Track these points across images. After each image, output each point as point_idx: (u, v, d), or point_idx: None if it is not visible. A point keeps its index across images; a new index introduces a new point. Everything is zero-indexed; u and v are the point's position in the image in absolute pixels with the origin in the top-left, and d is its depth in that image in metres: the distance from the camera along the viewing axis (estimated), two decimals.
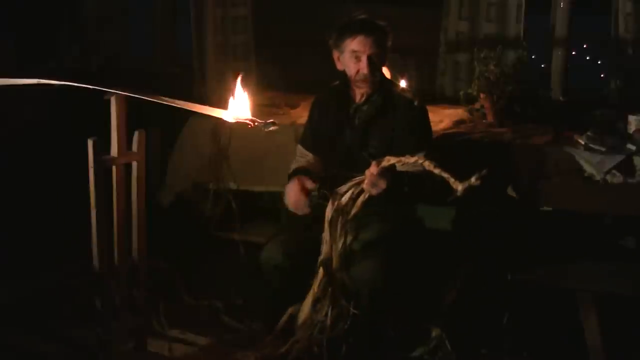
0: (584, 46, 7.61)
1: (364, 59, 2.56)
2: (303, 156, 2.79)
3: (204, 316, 2.95)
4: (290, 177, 2.62)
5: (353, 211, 2.34)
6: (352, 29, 2.58)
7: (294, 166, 2.76)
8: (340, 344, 2.50)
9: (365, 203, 2.32)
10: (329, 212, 2.33)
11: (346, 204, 2.31)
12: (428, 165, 2.11)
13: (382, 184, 2.25)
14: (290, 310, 2.47)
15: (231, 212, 3.42)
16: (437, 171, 2.09)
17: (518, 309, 2.84)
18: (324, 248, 2.35)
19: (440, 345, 2.66)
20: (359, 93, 2.66)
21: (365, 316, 2.46)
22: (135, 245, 2.50)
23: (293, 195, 2.48)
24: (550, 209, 3.00)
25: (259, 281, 2.70)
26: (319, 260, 2.36)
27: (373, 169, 2.25)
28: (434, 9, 3.94)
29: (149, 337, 2.66)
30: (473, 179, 2.01)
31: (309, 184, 2.47)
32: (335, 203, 2.33)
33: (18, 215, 3.40)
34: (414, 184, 2.41)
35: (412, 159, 2.15)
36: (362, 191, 2.31)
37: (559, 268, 2.87)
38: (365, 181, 2.27)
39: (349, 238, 2.41)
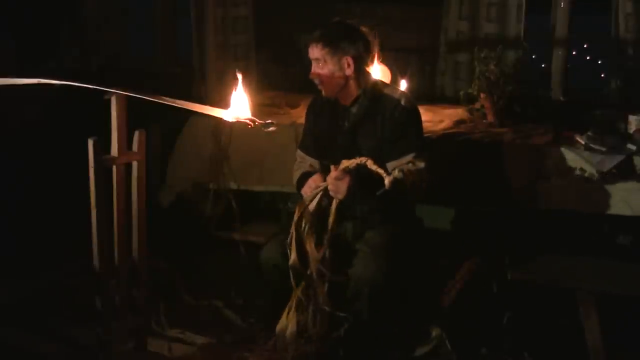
0: (584, 46, 7.62)
1: (313, 65, 2.62)
2: (304, 161, 2.79)
3: (204, 316, 2.95)
4: (300, 183, 2.65)
5: (331, 219, 2.44)
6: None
7: (299, 172, 2.74)
8: (340, 345, 2.50)
9: (339, 208, 2.44)
10: (296, 218, 2.40)
11: (314, 209, 2.42)
12: (370, 164, 2.27)
13: (344, 187, 2.37)
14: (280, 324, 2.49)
15: (231, 212, 3.42)
16: (374, 167, 2.26)
17: (518, 309, 2.84)
18: (292, 255, 2.39)
19: (440, 345, 2.66)
20: (342, 96, 2.66)
21: (365, 316, 2.46)
22: (135, 245, 2.50)
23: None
24: (550, 208, 3.01)
25: (259, 281, 2.71)
26: (289, 266, 2.40)
27: (332, 174, 2.38)
28: (434, 9, 3.94)
29: (149, 337, 2.66)
30: (396, 172, 2.27)
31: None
32: (302, 209, 2.42)
33: (18, 215, 3.40)
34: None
35: (358, 160, 2.30)
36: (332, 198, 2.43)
37: (559, 268, 2.87)
38: (329, 187, 2.40)
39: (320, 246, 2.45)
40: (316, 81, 2.62)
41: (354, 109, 2.65)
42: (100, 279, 2.38)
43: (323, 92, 2.63)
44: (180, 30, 4.29)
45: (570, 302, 2.76)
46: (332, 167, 2.41)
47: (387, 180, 2.24)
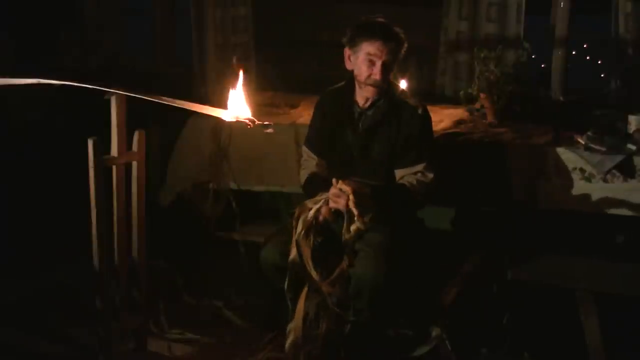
0: (584, 46, 7.61)
1: (378, 64, 2.52)
2: (309, 159, 2.78)
3: (204, 316, 2.95)
4: (308, 184, 2.66)
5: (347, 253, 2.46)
6: (371, 32, 2.53)
7: (306, 171, 2.75)
8: (340, 344, 2.50)
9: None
10: (300, 221, 2.42)
11: (312, 216, 2.44)
12: (351, 200, 2.32)
13: (342, 204, 2.38)
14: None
15: (231, 212, 3.42)
16: (351, 205, 2.32)
17: (518, 309, 2.84)
18: (292, 252, 2.41)
19: (440, 345, 2.66)
20: (364, 97, 2.63)
21: (366, 316, 2.46)
22: (135, 245, 2.50)
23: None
24: (550, 208, 3.01)
25: (259, 281, 2.71)
26: (288, 263, 2.42)
27: (332, 190, 2.40)
28: (434, 9, 3.94)
29: (149, 337, 2.66)
30: (360, 224, 2.35)
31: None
32: (300, 212, 2.44)
33: (18, 215, 3.40)
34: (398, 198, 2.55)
35: (345, 187, 2.34)
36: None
37: (559, 268, 2.88)
38: (330, 204, 2.42)
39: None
40: (377, 83, 2.54)
41: (370, 112, 2.64)
42: (100, 279, 2.38)
43: (378, 93, 2.59)
44: (180, 30, 4.29)
45: (570, 302, 2.76)
46: (333, 180, 2.41)
47: (353, 226, 2.33)
